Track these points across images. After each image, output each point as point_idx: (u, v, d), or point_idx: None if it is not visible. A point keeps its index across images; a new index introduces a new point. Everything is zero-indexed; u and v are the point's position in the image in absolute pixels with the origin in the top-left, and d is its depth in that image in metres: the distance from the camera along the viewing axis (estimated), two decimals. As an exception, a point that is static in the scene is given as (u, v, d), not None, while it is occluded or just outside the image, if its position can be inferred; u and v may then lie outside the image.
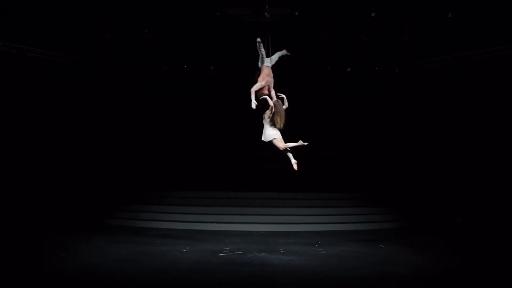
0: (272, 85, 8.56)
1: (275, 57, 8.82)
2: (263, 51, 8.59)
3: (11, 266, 7.40)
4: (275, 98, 8.51)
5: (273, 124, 8.43)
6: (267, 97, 8.45)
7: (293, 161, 8.30)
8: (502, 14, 10.84)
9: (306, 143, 8.05)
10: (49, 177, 11.89)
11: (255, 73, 8.76)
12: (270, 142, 8.47)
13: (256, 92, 8.36)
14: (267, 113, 8.47)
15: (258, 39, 8.45)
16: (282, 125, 8.34)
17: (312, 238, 10.43)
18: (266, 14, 10.17)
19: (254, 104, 8.22)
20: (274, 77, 8.62)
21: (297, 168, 8.21)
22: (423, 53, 12.30)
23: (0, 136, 11.08)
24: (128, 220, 12.10)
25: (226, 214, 12.21)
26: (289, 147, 8.28)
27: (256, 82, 8.49)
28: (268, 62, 8.65)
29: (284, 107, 8.47)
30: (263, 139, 8.58)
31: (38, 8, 11.33)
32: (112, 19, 11.88)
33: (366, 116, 14.01)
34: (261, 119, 8.61)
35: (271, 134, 8.45)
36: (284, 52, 8.91)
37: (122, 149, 13.63)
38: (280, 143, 8.36)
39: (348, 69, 13.04)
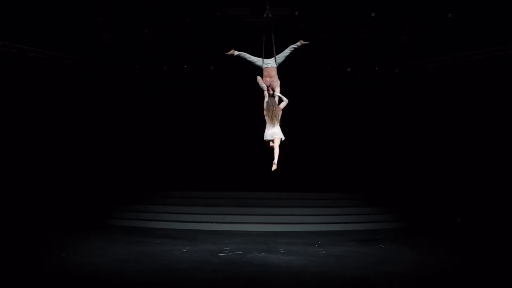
0: (273, 84, 8.54)
1: (280, 56, 8.75)
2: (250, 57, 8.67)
3: (11, 266, 7.41)
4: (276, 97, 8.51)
5: (269, 122, 8.42)
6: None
7: (275, 161, 8.26)
8: (502, 14, 10.84)
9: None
10: (49, 177, 11.89)
11: (255, 73, 8.80)
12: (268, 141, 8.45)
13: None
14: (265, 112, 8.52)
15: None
16: (274, 122, 8.33)
17: (312, 238, 10.43)
18: (266, 14, 10.13)
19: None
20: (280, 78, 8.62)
21: (274, 169, 8.21)
22: (423, 53, 12.28)
23: (0, 136, 11.08)
24: (128, 220, 12.09)
25: (226, 214, 12.21)
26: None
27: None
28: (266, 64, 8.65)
29: (281, 105, 8.43)
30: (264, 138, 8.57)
31: (38, 8, 11.32)
32: (112, 19, 11.87)
33: (366, 116, 14.01)
34: (261, 118, 8.60)
35: (269, 133, 8.43)
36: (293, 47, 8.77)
37: (122, 149, 13.63)
38: (275, 143, 8.32)
39: (348, 69, 13.03)
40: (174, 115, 14.20)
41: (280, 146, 8.33)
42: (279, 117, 8.38)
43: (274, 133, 8.33)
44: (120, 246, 9.16)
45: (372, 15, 11.40)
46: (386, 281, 6.87)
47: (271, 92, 8.47)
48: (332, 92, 13.76)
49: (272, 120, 8.32)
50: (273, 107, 8.32)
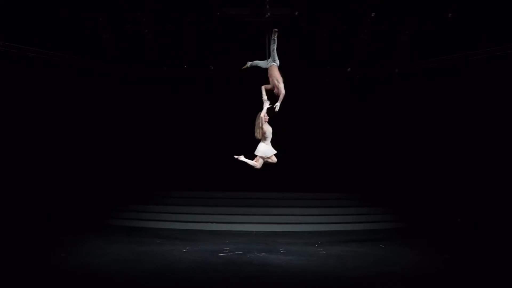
0: (276, 83, 8.48)
1: (272, 52, 8.76)
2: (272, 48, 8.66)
3: (11, 266, 7.41)
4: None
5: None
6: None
7: (247, 160, 8.43)
8: (502, 14, 10.84)
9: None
10: (49, 177, 11.89)
11: (255, 72, 8.84)
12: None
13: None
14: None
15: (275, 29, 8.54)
16: (259, 136, 8.45)
17: (312, 238, 10.43)
18: (267, 14, 10.16)
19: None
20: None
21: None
22: (423, 53, 12.30)
23: (0, 136, 11.08)
24: (128, 220, 12.08)
25: (226, 214, 12.21)
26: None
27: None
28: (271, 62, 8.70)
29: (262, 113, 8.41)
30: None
31: (38, 8, 11.33)
32: (112, 19, 11.89)
33: (366, 116, 14.01)
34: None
35: (261, 150, 8.50)
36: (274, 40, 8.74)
37: (122, 149, 13.63)
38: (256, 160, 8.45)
39: (348, 69, 13.04)
40: (174, 115, 14.19)
41: (270, 162, 8.53)
42: (266, 134, 8.44)
43: (257, 149, 8.48)
44: (120, 246, 9.16)
45: (372, 15, 11.42)
46: (386, 281, 6.87)
47: (276, 90, 8.45)
48: (332, 92, 13.76)
49: (258, 134, 8.41)
50: (256, 121, 8.41)
